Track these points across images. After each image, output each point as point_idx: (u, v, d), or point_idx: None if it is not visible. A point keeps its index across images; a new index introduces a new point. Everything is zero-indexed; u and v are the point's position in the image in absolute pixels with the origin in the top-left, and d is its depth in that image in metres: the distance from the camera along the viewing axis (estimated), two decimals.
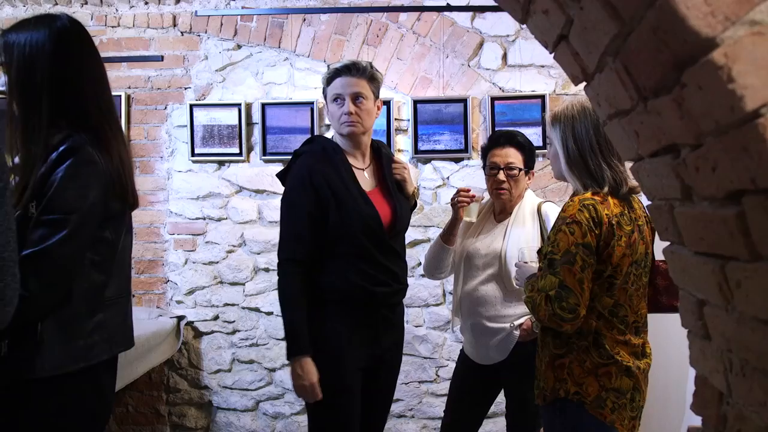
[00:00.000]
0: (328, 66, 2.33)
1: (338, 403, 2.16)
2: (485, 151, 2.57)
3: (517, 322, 2.40)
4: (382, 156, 2.32)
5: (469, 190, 2.48)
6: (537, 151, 2.75)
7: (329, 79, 2.23)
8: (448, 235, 2.55)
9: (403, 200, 2.31)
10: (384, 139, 3.45)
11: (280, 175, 2.28)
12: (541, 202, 2.53)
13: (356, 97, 2.18)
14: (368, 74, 2.21)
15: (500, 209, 2.56)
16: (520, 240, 2.41)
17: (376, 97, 2.26)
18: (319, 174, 2.15)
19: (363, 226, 2.14)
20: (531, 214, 2.50)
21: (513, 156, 2.48)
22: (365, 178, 2.26)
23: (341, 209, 2.14)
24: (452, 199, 2.52)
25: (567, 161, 1.85)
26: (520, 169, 2.48)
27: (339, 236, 2.15)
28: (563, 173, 1.90)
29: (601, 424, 1.78)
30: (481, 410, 2.62)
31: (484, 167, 2.58)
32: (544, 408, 1.91)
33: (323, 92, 2.27)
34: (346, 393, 2.16)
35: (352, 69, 2.19)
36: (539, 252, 1.93)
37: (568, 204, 1.80)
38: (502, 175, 2.47)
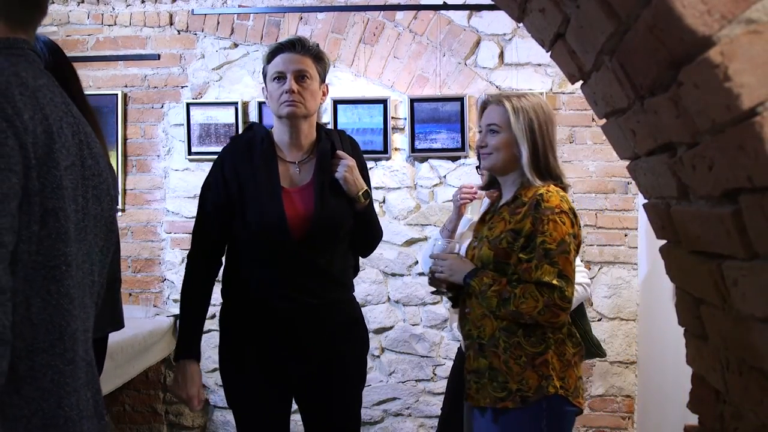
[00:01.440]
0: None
1: (245, 421, 2.02)
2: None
3: None
4: (319, 149, 2.03)
5: (472, 187, 2.46)
6: None
7: (270, 57, 1.98)
8: (449, 232, 2.53)
9: (338, 203, 1.99)
10: (380, 138, 3.45)
11: None
12: None
13: (300, 76, 1.94)
14: (314, 53, 1.98)
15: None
16: None
17: (323, 80, 2.02)
18: (231, 165, 1.97)
19: (262, 227, 1.90)
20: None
21: None
22: (294, 173, 2.00)
23: (243, 206, 1.93)
24: (454, 196, 2.50)
25: (532, 154, 1.84)
26: None
27: (240, 237, 1.96)
28: (522, 166, 1.85)
29: (578, 412, 1.82)
30: None
31: (478, 167, 2.57)
32: (519, 411, 1.77)
33: (263, 72, 2.03)
34: (251, 411, 2.00)
35: (297, 45, 1.96)
36: (500, 244, 1.82)
37: (547, 194, 1.79)
38: None
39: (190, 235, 3.67)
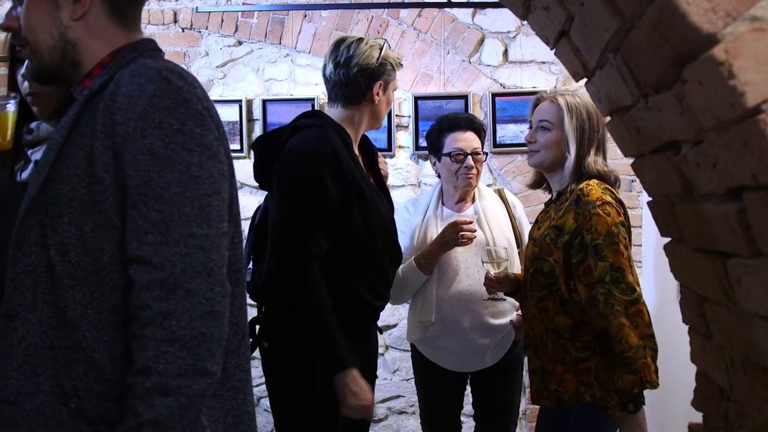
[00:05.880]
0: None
1: None
2: (440, 135, 2.33)
3: (511, 317, 2.28)
4: (367, 146, 1.99)
5: (471, 222, 2.21)
6: None
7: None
8: (430, 265, 2.26)
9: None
10: (384, 136, 3.44)
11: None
12: (501, 189, 2.49)
13: None
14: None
15: (461, 197, 2.37)
16: (502, 227, 2.32)
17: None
18: (342, 158, 1.75)
19: (383, 228, 1.83)
20: (496, 200, 2.41)
21: (475, 141, 2.30)
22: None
23: (363, 206, 1.77)
24: (448, 233, 2.19)
25: (579, 153, 1.81)
26: (486, 154, 2.37)
27: (356, 240, 1.77)
28: (567, 166, 1.85)
29: (615, 426, 1.75)
30: (459, 419, 2.54)
31: (437, 153, 2.33)
32: (551, 411, 1.82)
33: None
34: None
35: None
36: (544, 241, 1.83)
37: (588, 188, 1.76)
38: (470, 161, 2.27)
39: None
